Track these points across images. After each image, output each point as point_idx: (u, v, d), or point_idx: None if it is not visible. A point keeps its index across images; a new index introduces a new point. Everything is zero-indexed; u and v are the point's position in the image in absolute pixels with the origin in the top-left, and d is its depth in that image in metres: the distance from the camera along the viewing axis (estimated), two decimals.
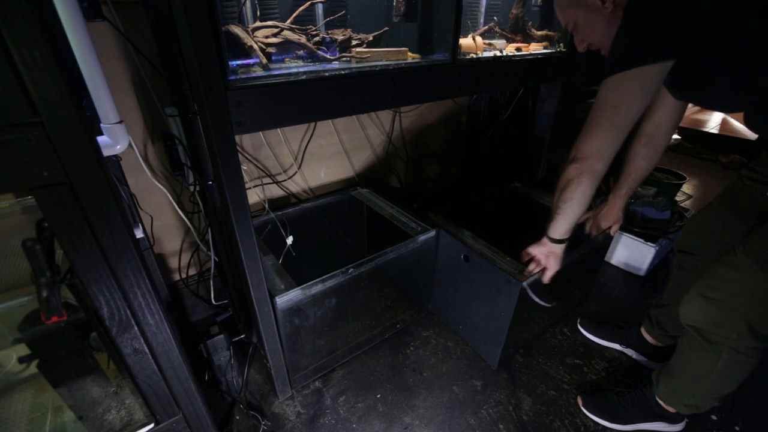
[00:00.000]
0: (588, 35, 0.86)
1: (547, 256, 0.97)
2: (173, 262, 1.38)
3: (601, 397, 1.13)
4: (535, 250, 0.98)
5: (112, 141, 0.86)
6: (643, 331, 1.27)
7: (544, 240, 0.95)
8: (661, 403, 1.02)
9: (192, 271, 1.42)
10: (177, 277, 1.40)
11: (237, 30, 0.83)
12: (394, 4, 1.08)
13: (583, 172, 0.80)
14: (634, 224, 1.67)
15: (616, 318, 1.46)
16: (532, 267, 1.01)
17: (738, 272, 0.79)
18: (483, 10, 1.30)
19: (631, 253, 1.69)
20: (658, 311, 1.20)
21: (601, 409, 1.10)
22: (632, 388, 1.10)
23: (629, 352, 1.30)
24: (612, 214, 1.14)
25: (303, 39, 0.91)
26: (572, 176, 0.82)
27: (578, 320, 1.43)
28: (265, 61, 0.83)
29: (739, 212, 0.94)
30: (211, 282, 1.41)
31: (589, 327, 1.39)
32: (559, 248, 0.95)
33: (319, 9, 1.02)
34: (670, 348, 1.10)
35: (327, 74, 0.84)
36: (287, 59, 0.92)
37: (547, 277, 0.99)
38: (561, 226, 0.90)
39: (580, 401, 1.14)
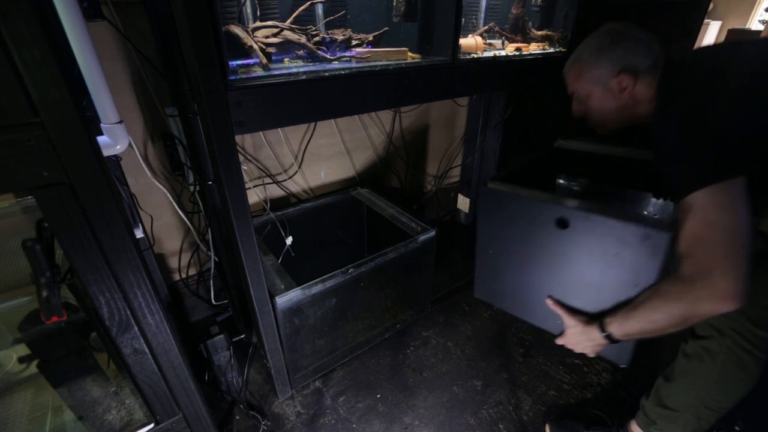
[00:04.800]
0: (594, 110, 0.86)
1: (585, 345, 0.85)
2: (173, 262, 1.38)
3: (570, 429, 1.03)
4: (573, 338, 0.86)
5: (112, 141, 0.86)
6: None
7: (595, 329, 0.81)
8: None
9: (192, 271, 1.42)
10: (177, 277, 1.40)
11: (237, 30, 0.83)
12: (394, 4, 1.08)
13: (713, 313, 0.65)
14: None
15: None
16: (558, 342, 0.90)
17: None
18: (483, 10, 1.30)
19: None
20: None
21: None
22: (608, 427, 1.02)
23: None
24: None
25: (303, 39, 0.91)
26: (705, 313, 0.66)
27: None
28: (265, 61, 0.83)
29: None
30: (211, 282, 1.41)
31: None
32: (606, 342, 0.82)
33: (319, 9, 1.02)
34: None
35: (327, 74, 0.84)
36: (287, 59, 0.92)
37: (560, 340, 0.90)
38: (630, 330, 0.76)
39: (547, 429, 1.08)
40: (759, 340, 0.73)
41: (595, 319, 0.84)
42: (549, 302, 0.94)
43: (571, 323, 0.88)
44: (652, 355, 1.30)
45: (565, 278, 0.92)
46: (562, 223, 0.88)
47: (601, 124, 0.89)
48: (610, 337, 0.80)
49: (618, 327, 0.78)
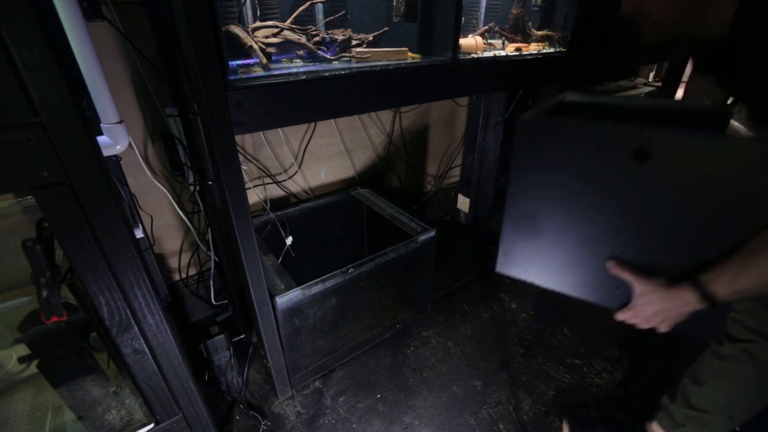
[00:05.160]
0: (653, 13, 0.69)
1: (666, 316, 0.67)
2: (173, 262, 1.38)
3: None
4: (649, 308, 0.68)
5: (112, 141, 0.86)
6: None
7: (686, 291, 0.63)
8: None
9: (192, 271, 1.42)
10: (177, 277, 1.40)
11: (237, 30, 0.83)
12: (394, 4, 1.08)
13: None
14: None
15: None
16: (622, 316, 0.72)
17: None
18: (483, 10, 1.30)
19: None
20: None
21: None
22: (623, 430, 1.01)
23: None
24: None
25: (303, 39, 0.91)
26: None
27: None
28: (265, 61, 0.83)
29: None
30: (211, 282, 1.41)
31: None
32: (698, 307, 0.64)
33: (319, 9, 1.02)
34: None
35: (327, 74, 0.84)
36: (287, 59, 0.92)
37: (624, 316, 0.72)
38: (748, 285, 0.60)
39: (566, 428, 1.07)
40: None
41: (679, 279, 0.66)
42: (611, 265, 0.72)
43: (645, 289, 0.68)
44: (652, 356, 1.30)
45: (637, 230, 0.70)
46: (642, 154, 0.66)
47: (654, 34, 0.72)
48: (711, 299, 0.62)
49: (727, 284, 0.61)
